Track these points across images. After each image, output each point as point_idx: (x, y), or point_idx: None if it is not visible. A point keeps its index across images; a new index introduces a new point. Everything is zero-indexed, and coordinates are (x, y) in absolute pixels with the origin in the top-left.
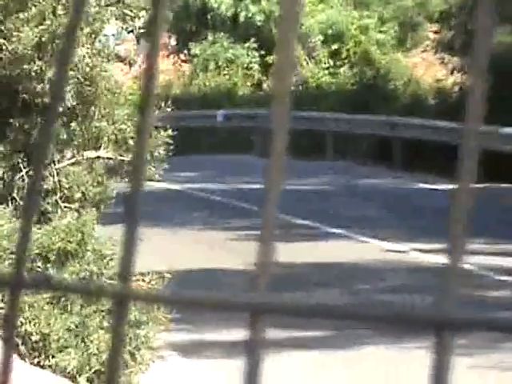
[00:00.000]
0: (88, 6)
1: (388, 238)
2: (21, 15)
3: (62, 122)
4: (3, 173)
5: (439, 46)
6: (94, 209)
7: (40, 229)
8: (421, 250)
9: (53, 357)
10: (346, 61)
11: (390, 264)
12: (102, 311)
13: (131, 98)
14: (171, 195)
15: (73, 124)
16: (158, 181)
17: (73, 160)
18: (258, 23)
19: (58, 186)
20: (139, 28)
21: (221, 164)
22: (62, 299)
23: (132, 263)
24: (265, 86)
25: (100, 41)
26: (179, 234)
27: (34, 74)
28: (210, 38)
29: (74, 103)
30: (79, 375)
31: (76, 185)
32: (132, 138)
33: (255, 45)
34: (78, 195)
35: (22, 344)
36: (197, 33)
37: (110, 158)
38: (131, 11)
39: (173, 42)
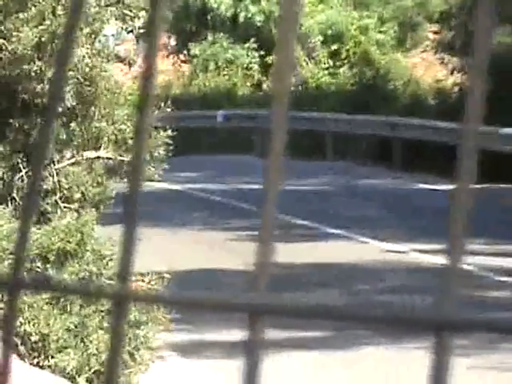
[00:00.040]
0: (87, 7)
1: (388, 238)
2: (20, 15)
3: (61, 122)
4: (3, 173)
5: (439, 47)
6: (93, 209)
7: (39, 229)
8: (421, 251)
9: (52, 357)
10: (345, 61)
11: (389, 264)
12: (102, 311)
13: (131, 98)
14: (171, 195)
15: (72, 124)
16: (158, 181)
17: (72, 160)
18: (258, 23)
19: (58, 186)
20: (139, 28)
21: (221, 164)
22: (62, 299)
23: (131, 263)
24: (264, 86)
25: (100, 41)
26: (179, 234)
27: (33, 74)
28: (210, 38)
29: (74, 103)
30: (78, 375)
31: (76, 185)
32: (132, 138)
33: (255, 45)
34: (78, 195)
35: (22, 344)
36: (196, 33)
37: (110, 158)
38: (131, 11)
39: (172, 42)
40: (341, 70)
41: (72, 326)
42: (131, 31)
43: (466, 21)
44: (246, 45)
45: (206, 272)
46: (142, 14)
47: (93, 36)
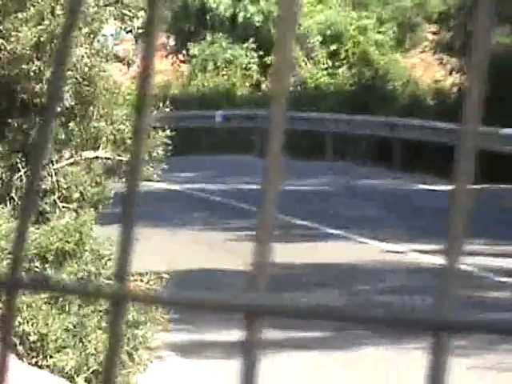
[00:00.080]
0: (86, 6)
1: (388, 238)
2: (19, 15)
3: (60, 122)
4: (1, 173)
5: (438, 47)
6: (92, 209)
7: (38, 229)
8: (420, 251)
9: (51, 357)
10: (344, 61)
11: (389, 265)
12: (100, 311)
13: (130, 98)
14: (171, 195)
15: (71, 124)
16: (158, 181)
17: (71, 160)
18: (257, 24)
19: (57, 186)
20: (138, 28)
21: (220, 164)
22: (60, 299)
23: (129, 263)
24: (263, 86)
25: (98, 41)
26: (179, 234)
27: (32, 74)
28: (209, 38)
29: (73, 103)
30: (77, 375)
31: (74, 185)
32: (130, 138)
33: (254, 45)
34: (76, 195)
35: (20, 344)
36: (195, 33)
37: (109, 158)
38: (130, 11)
39: (171, 42)
40: (340, 70)
41: (70, 326)
42: (130, 31)
43: (465, 21)
44: (245, 45)
45: (206, 272)
46: (141, 13)
47: (91, 36)
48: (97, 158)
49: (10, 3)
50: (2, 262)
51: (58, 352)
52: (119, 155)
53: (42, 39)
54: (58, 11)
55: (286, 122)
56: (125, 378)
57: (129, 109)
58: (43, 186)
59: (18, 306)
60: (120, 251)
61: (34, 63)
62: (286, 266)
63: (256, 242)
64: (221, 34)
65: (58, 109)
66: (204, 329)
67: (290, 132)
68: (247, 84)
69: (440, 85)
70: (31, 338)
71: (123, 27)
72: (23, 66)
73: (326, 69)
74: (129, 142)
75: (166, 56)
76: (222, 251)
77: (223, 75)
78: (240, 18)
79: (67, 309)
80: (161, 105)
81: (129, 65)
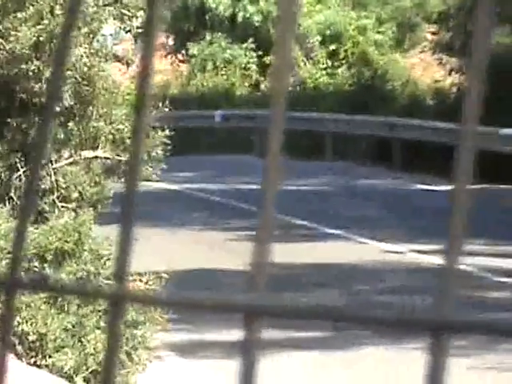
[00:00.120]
0: (85, 6)
1: (387, 238)
2: (18, 15)
3: (59, 122)
4: (0, 172)
5: (437, 47)
6: (91, 209)
7: (37, 228)
8: (420, 251)
9: (50, 357)
10: (343, 61)
11: (389, 265)
12: (99, 311)
13: (129, 97)
14: (170, 195)
15: (70, 124)
16: (157, 181)
17: (70, 160)
18: (256, 23)
19: (56, 186)
20: (137, 28)
21: (220, 164)
22: (59, 299)
23: (128, 263)
24: (262, 86)
25: (98, 41)
26: (179, 234)
27: (31, 73)
28: (208, 38)
29: (72, 103)
30: (76, 375)
31: (73, 184)
32: (129, 137)
33: (253, 45)
34: (76, 195)
35: (19, 344)
36: (195, 33)
37: (108, 158)
38: (129, 11)
39: (171, 41)
40: (339, 70)
41: (69, 326)
42: (129, 31)
43: (465, 21)
44: (244, 45)
45: (206, 272)
46: (140, 13)
47: (91, 36)
48: (96, 157)
49: (10, 3)
50: (1, 262)
51: (57, 352)
52: (118, 155)
53: (41, 39)
54: (57, 11)
55: (285, 122)
56: (124, 377)
57: (128, 108)
58: (42, 186)
59: (16, 305)
60: (119, 251)
61: (33, 63)
62: (285, 266)
63: (256, 241)
64: (220, 33)
65: (58, 108)
66: (203, 329)
67: (289, 132)
68: (246, 84)
69: (439, 85)
70: (30, 338)
71: (122, 27)
72: (22, 66)
73: (326, 69)
74: (128, 141)
75: (166, 56)
76: (221, 251)
77: (222, 75)
78: (239, 18)
79: (66, 309)
80: (160, 104)
81: (128, 64)
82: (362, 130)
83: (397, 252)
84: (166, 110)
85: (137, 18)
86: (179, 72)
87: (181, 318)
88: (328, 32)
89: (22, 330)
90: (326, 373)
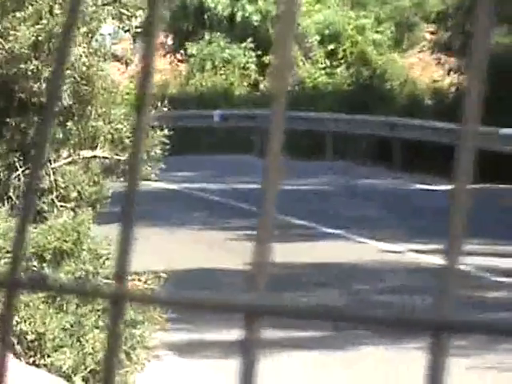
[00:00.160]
0: (85, 6)
1: (387, 238)
2: (17, 14)
3: (58, 121)
4: None
5: (436, 47)
6: (89, 208)
7: (36, 228)
8: (420, 251)
9: (48, 356)
10: (342, 61)
11: (389, 264)
12: (98, 311)
13: (128, 97)
14: (169, 195)
15: (69, 123)
16: (155, 180)
17: (69, 159)
18: (255, 23)
19: (54, 185)
20: (136, 27)
21: (219, 164)
22: (58, 298)
23: (128, 263)
24: (261, 85)
25: (97, 40)
26: (178, 233)
27: (30, 73)
28: (207, 37)
29: (71, 102)
30: (74, 374)
31: (72, 184)
32: (128, 137)
33: (252, 45)
34: (74, 194)
35: (18, 343)
36: (193, 32)
37: (107, 158)
38: (128, 10)
39: (169, 41)
40: (338, 69)
41: (68, 325)
42: (128, 30)
43: (463, 21)
44: (243, 44)
45: (206, 271)
46: (139, 13)
47: (90, 35)
48: (95, 157)
49: (9, 2)
50: (0, 262)
51: (56, 351)
52: (117, 154)
53: (40, 38)
54: (57, 10)
55: (285, 122)
56: (122, 377)
57: (127, 108)
58: (41, 186)
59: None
60: (119, 250)
61: (31, 62)
62: (285, 265)
63: (256, 241)
64: (219, 33)
65: (57, 108)
66: (202, 328)
67: (289, 132)
68: (245, 83)
69: (438, 84)
70: (29, 337)
71: (121, 26)
72: (21, 65)
73: (324, 68)
74: (127, 141)
75: (164, 55)
76: (221, 251)
77: (221, 75)
78: (238, 18)
79: (65, 308)
80: (159, 104)
81: (127, 64)
82: (362, 130)
83: (396, 252)
84: (165, 109)
85: (136, 17)
86: (178, 71)
87: (180, 318)
88: (327, 31)
89: (21, 329)
90: (326, 373)
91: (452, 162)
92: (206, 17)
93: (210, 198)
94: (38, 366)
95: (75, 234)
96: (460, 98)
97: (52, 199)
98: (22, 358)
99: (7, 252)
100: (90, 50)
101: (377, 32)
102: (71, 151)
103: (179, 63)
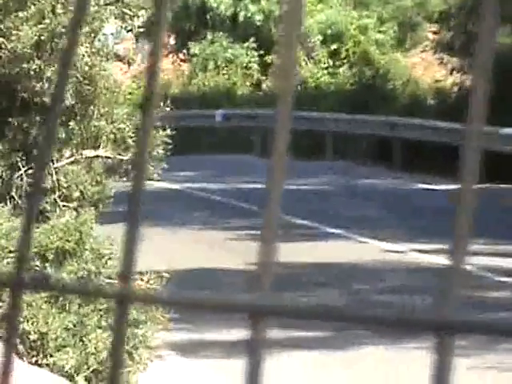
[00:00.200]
0: (89, 5)
1: (388, 238)
2: (20, 14)
3: (60, 121)
4: (2, 171)
5: (438, 47)
6: (92, 208)
7: (38, 227)
8: (420, 251)
9: (51, 356)
10: (345, 61)
11: (389, 264)
12: (100, 310)
13: (130, 97)
14: (171, 195)
15: (71, 123)
16: (158, 180)
17: (71, 159)
18: (258, 23)
19: (57, 185)
20: (138, 27)
21: (221, 164)
22: (60, 298)
23: (133, 263)
24: (264, 85)
25: (99, 40)
26: (179, 233)
27: (32, 72)
28: (209, 37)
29: (73, 102)
30: (77, 374)
31: (74, 184)
32: (131, 137)
33: (254, 44)
34: (77, 194)
35: (20, 343)
36: (196, 32)
37: (109, 157)
38: (130, 10)
39: (172, 41)
40: (340, 69)
41: (71, 325)
42: (130, 30)
43: (466, 21)
44: (246, 44)
45: (206, 271)
46: (142, 12)
47: (92, 35)
48: (97, 156)
49: (11, 2)
50: (3, 261)
51: (58, 351)
52: (119, 154)
53: (42, 38)
54: (59, 10)
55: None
56: (125, 377)
57: (129, 108)
58: (44, 185)
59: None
60: (125, 250)
61: (34, 62)
62: (286, 265)
63: (261, 241)
64: (221, 33)
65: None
66: (204, 328)
67: (290, 131)
68: (248, 83)
69: (440, 84)
70: (31, 337)
71: (124, 26)
72: (24, 65)
73: (327, 68)
74: (129, 140)
75: (167, 55)
76: (222, 250)
77: (224, 74)
78: (241, 18)
79: (67, 308)
80: (161, 104)
81: (129, 64)
82: (363, 130)
83: (397, 251)
84: (167, 109)
85: (138, 17)
86: (180, 71)
87: (182, 318)
88: (329, 31)
89: (23, 329)
90: (325, 373)
91: (452, 161)
92: (208, 17)
93: (211, 197)
94: (40, 365)
95: (78, 233)
96: (462, 97)
97: (54, 199)
98: (25, 358)
99: (10, 252)
100: (93, 50)
101: (379, 32)
102: (74, 151)
103: (182, 63)
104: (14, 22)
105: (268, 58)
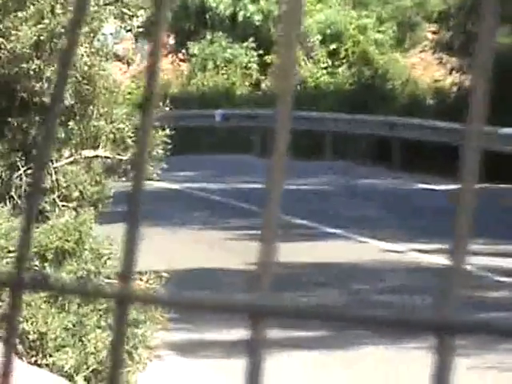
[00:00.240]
0: (88, 5)
1: (387, 238)
2: (19, 14)
3: (60, 121)
4: (1, 171)
5: (437, 46)
6: (91, 208)
7: (38, 227)
8: (420, 251)
9: (50, 356)
10: (344, 60)
11: (389, 264)
12: (100, 310)
13: (129, 97)
14: (171, 195)
15: (71, 123)
16: (158, 180)
17: (71, 159)
18: (257, 23)
19: (56, 185)
20: (137, 27)
21: (220, 164)
22: (60, 298)
23: (134, 263)
24: (263, 85)
25: (98, 40)
26: (179, 233)
27: (32, 72)
28: (209, 37)
29: (72, 102)
30: (76, 374)
31: (74, 184)
32: (130, 137)
33: (253, 44)
34: (76, 194)
35: (20, 343)
36: (195, 32)
37: (108, 157)
38: (130, 10)
39: (171, 41)
40: (339, 69)
41: (70, 325)
42: (130, 30)
43: (465, 21)
44: (245, 44)
45: (206, 271)
46: (141, 12)
47: (91, 35)
48: (96, 156)
49: (10, 2)
50: (2, 261)
51: (58, 351)
52: (119, 154)
53: (41, 38)
54: (58, 10)
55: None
56: (124, 376)
57: (128, 108)
58: (43, 185)
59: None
60: (125, 250)
61: (33, 62)
62: (286, 265)
63: (261, 241)
64: (220, 33)
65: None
66: (203, 328)
67: (290, 131)
68: (247, 83)
69: (439, 84)
70: (31, 337)
71: (123, 26)
72: (23, 65)
73: (326, 68)
74: (128, 140)
75: (166, 55)
76: (221, 250)
77: (223, 74)
78: (240, 17)
79: (67, 308)
80: (160, 104)
81: (128, 64)
82: (362, 130)
83: (397, 251)
84: (167, 109)
85: (137, 17)
86: (180, 71)
87: (181, 318)
88: (328, 31)
89: (23, 329)
90: (325, 373)
91: (452, 161)
92: (207, 16)
93: (210, 197)
94: (39, 365)
95: (77, 233)
96: (462, 97)
97: (54, 199)
98: (24, 358)
99: (9, 252)
100: (92, 50)
101: (379, 32)
102: (73, 151)
103: (181, 63)
104: (14, 22)
105: (267, 58)
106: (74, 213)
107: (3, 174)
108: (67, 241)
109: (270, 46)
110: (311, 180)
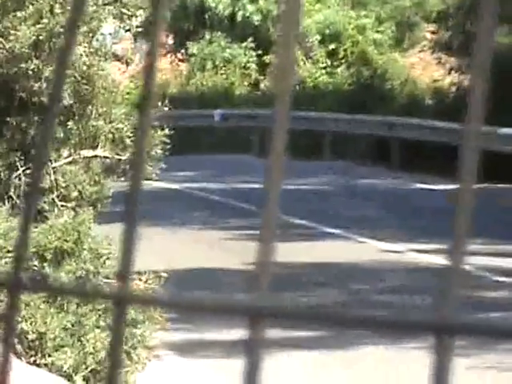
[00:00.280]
0: (86, 5)
1: (387, 238)
2: (18, 14)
3: (58, 121)
4: (0, 171)
5: (436, 46)
6: (90, 208)
7: (36, 227)
8: (420, 251)
9: (49, 356)
10: (343, 61)
11: (388, 264)
12: (98, 310)
13: (128, 96)
14: (170, 194)
15: (70, 123)
16: (157, 180)
17: (69, 159)
18: (256, 23)
19: (55, 185)
20: (136, 27)
21: (219, 164)
22: (59, 298)
23: (132, 263)
24: (262, 85)
25: (97, 40)
26: (179, 233)
27: (31, 72)
28: (208, 37)
29: (71, 102)
30: (75, 374)
31: (73, 184)
32: (129, 136)
33: (252, 44)
34: (75, 194)
35: (19, 343)
36: (194, 32)
37: (107, 157)
38: (128, 10)
39: (170, 41)
40: (338, 69)
41: (69, 325)
42: (129, 30)
43: (464, 21)
44: (244, 44)
45: (206, 271)
46: (140, 12)
47: (90, 34)
48: (95, 156)
49: (9, 2)
50: (1, 261)
51: (57, 351)
52: (118, 154)
53: (40, 38)
54: (57, 10)
55: (289, 122)
56: (123, 376)
57: (127, 108)
58: (42, 185)
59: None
60: (123, 251)
61: (32, 62)
62: (285, 265)
63: (259, 241)
64: (219, 32)
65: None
66: (203, 328)
67: (288, 131)
68: (246, 83)
69: (438, 84)
70: (29, 337)
71: (122, 26)
72: (22, 65)
73: (325, 68)
74: (127, 140)
75: (165, 55)
76: (221, 250)
77: (222, 74)
78: (239, 17)
79: (65, 308)
80: (159, 104)
81: (127, 63)
82: (362, 130)
83: (396, 251)
84: (166, 109)
85: (136, 17)
86: (179, 71)
87: (180, 318)
88: (327, 31)
89: (22, 328)
90: (325, 373)
91: (451, 161)
92: (206, 16)
93: (210, 197)
94: (38, 365)
95: (76, 233)
96: (461, 97)
97: (53, 199)
98: (23, 358)
99: (8, 252)
100: (91, 50)
101: (377, 32)
102: (72, 151)
103: (180, 63)
104: (12, 22)
105: (266, 58)
106: (72, 213)
107: (2, 174)
108: (66, 241)
109: (269, 46)
110: (311, 180)
